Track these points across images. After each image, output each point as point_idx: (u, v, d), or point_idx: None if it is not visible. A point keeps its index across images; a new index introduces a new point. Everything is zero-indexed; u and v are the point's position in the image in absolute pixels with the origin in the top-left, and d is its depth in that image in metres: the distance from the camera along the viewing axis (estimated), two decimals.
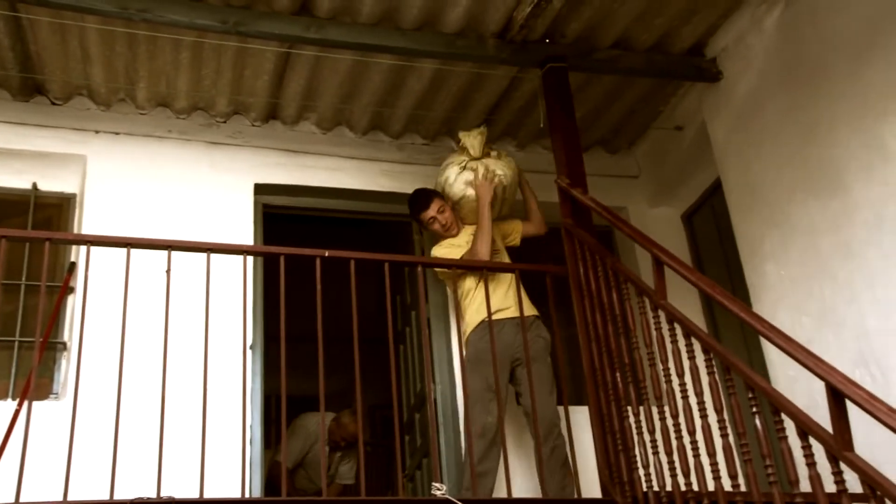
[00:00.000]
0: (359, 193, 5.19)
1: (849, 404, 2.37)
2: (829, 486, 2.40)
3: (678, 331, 3.18)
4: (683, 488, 3.08)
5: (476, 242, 4.45)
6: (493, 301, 4.16)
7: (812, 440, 2.45)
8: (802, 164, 4.12)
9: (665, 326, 3.25)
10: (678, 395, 3.14)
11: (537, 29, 4.39)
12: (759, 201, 4.44)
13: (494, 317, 4.16)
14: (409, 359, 5.16)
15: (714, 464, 2.91)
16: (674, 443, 3.13)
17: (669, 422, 3.18)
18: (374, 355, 4.61)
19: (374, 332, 4.44)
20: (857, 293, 3.73)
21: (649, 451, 3.31)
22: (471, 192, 4.61)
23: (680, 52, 4.79)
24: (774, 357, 4.08)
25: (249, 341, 4.33)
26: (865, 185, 3.75)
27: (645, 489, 3.32)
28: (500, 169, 4.67)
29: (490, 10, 4.30)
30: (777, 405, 2.59)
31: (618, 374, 3.60)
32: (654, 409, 3.30)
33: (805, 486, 2.49)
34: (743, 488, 2.80)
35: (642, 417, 3.39)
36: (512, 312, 4.36)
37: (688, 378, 3.09)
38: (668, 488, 3.18)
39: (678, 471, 3.11)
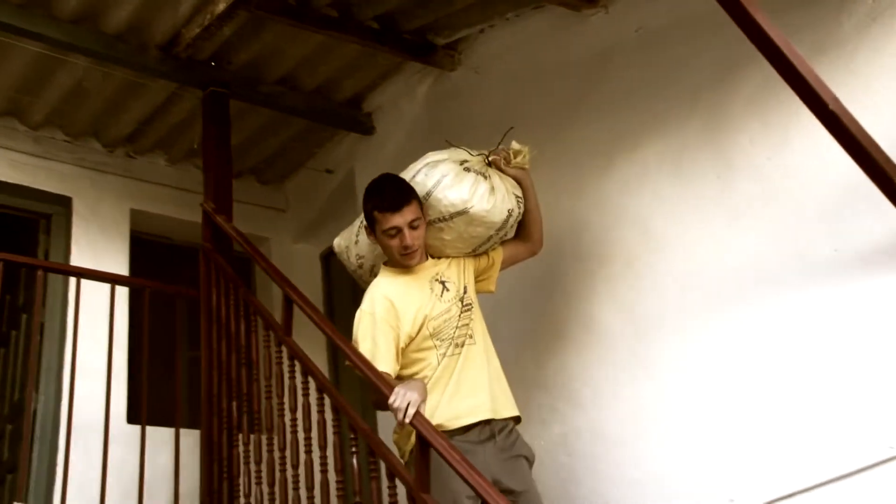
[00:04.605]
0: None
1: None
2: None
3: (297, 368, 3.31)
4: None
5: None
6: (460, 396, 2.94)
7: (397, 481, 2.69)
8: None
9: (286, 362, 3.36)
10: (288, 430, 3.26)
11: (204, 50, 4.37)
12: None
13: (462, 421, 2.89)
14: (9, 364, 4.77)
15: (311, 498, 3.07)
16: (277, 475, 3.24)
17: (276, 454, 3.29)
18: None
19: None
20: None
21: (253, 480, 3.40)
22: (479, 208, 3.04)
23: (340, 101, 5.01)
24: None
25: None
26: None
27: None
28: (517, 189, 3.23)
29: (157, 21, 4.19)
30: (373, 447, 2.79)
31: (234, 403, 3.66)
32: (264, 441, 3.40)
33: None
34: None
35: (251, 447, 3.47)
36: (485, 412, 2.92)
37: (300, 414, 3.22)
38: None
39: (277, 502, 3.22)
